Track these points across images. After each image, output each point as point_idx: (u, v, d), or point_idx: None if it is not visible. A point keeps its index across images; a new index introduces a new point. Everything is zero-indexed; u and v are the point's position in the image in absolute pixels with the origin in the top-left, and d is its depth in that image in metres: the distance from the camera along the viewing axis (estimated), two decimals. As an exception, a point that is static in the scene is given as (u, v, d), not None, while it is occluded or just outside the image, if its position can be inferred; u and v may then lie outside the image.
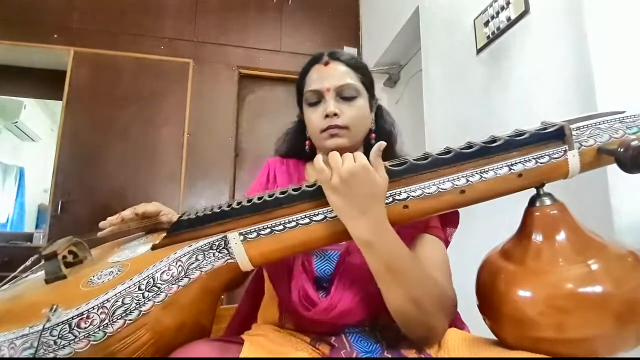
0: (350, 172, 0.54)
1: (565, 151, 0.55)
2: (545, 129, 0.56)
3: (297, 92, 0.86)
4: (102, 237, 0.73)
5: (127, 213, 0.70)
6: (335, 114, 0.76)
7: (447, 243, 0.73)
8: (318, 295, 0.67)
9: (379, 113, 0.87)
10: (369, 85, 0.82)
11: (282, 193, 0.59)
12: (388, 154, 0.81)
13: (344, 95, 0.78)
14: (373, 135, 0.83)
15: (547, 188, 0.56)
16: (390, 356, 0.62)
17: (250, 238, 0.58)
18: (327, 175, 0.56)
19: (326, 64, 0.80)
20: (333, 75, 0.78)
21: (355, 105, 0.78)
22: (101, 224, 0.71)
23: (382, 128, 0.85)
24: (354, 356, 0.62)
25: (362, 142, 0.83)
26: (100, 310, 0.51)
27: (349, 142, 0.78)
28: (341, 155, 0.57)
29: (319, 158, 0.58)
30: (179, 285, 0.55)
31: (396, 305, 0.58)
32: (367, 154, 0.82)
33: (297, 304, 0.66)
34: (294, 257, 0.70)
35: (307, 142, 0.85)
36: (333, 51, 0.82)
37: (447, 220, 0.73)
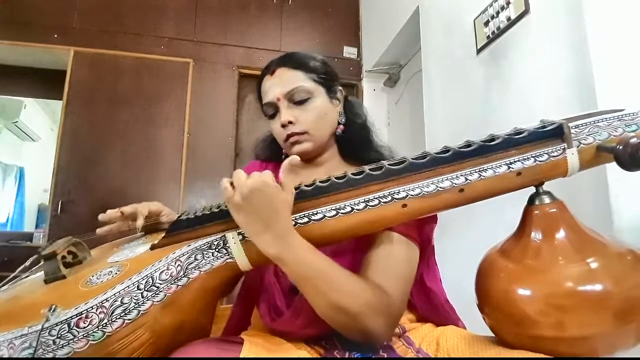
0: (250, 189, 0.54)
1: (564, 149, 0.54)
2: (544, 127, 0.56)
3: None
4: (101, 237, 0.73)
5: (128, 209, 0.70)
6: (290, 122, 0.75)
7: (428, 240, 0.72)
8: (286, 305, 0.66)
9: (347, 106, 0.85)
10: (325, 81, 0.79)
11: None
12: (366, 146, 0.81)
13: (295, 100, 0.76)
14: (342, 127, 0.81)
15: (546, 186, 0.56)
16: (386, 356, 0.62)
17: (248, 238, 0.58)
18: (230, 193, 0.56)
19: (272, 72, 0.78)
20: (280, 83, 0.77)
21: (310, 108, 0.77)
22: (100, 216, 0.70)
23: (352, 122, 0.83)
24: (347, 356, 0.62)
25: (332, 139, 0.82)
26: (99, 309, 0.51)
27: (313, 145, 0.77)
28: (308, 160, 0.54)
29: (224, 179, 0.58)
30: (178, 285, 0.55)
31: (321, 312, 0.57)
32: (342, 149, 0.83)
33: (266, 315, 0.66)
34: (268, 266, 0.69)
35: (284, 151, 0.84)
36: (280, 56, 0.81)
37: (424, 218, 0.68)
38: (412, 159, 0.58)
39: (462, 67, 1.84)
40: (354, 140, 0.82)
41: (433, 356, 0.63)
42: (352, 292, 0.56)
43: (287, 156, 0.82)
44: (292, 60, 0.79)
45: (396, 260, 0.64)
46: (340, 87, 0.84)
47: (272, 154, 0.87)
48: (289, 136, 0.76)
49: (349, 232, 0.58)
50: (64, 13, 2.71)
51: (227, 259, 0.58)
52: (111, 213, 0.70)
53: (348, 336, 0.59)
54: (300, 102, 0.76)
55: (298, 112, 0.76)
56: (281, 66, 0.78)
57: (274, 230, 0.55)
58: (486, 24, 1.65)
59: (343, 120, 0.82)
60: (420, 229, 0.69)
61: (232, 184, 0.56)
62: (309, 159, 0.81)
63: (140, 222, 0.69)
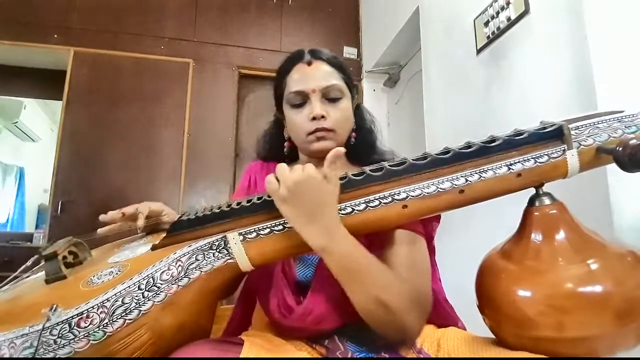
0: (295, 182, 0.54)
1: (564, 151, 0.55)
2: (544, 128, 0.56)
3: (275, 92, 0.84)
4: (102, 238, 0.73)
5: (129, 209, 0.70)
6: (323, 117, 0.75)
7: (430, 238, 0.73)
8: (295, 301, 0.66)
9: (357, 112, 0.85)
10: (350, 84, 0.81)
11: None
12: (370, 151, 0.82)
13: (329, 97, 0.76)
14: (353, 134, 0.82)
15: (546, 188, 0.56)
16: (388, 356, 0.62)
17: (249, 238, 0.58)
18: (274, 186, 0.56)
19: (309, 63, 0.78)
20: (318, 76, 0.76)
21: (340, 107, 0.77)
22: (101, 217, 0.71)
23: (362, 128, 0.84)
24: (349, 356, 0.62)
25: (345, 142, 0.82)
26: (100, 309, 0.51)
27: (335, 144, 0.77)
28: (320, 159, 0.58)
29: (270, 176, 0.57)
30: (178, 285, 0.55)
31: (361, 307, 0.57)
32: (348, 153, 0.83)
33: (275, 312, 0.66)
34: (275, 264, 0.69)
35: (286, 144, 0.83)
36: (314, 50, 0.80)
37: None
38: (412, 160, 0.58)
39: (462, 67, 1.84)
40: (359, 145, 0.83)
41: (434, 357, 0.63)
42: (393, 286, 0.57)
43: (291, 151, 0.83)
44: (327, 57, 0.79)
45: (418, 256, 0.65)
46: (356, 95, 0.84)
47: (272, 152, 0.87)
48: (317, 130, 0.75)
49: (350, 232, 0.58)
50: (64, 13, 2.71)
51: (228, 259, 0.58)
52: (112, 214, 0.70)
53: (381, 332, 0.59)
54: (333, 100, 0.77)
55: (330, 109, 0.76)
56: (317, 59, 0.78)
57: (320, 222, 0.55)
58: (486, 24, 1.65)
59: (354, 127, 0.83)
60: (425, 226, 0.70)
61: (277, 179, 0.57)
62: (320, 157, 0.81)
63: (141, 223, 0.70)
